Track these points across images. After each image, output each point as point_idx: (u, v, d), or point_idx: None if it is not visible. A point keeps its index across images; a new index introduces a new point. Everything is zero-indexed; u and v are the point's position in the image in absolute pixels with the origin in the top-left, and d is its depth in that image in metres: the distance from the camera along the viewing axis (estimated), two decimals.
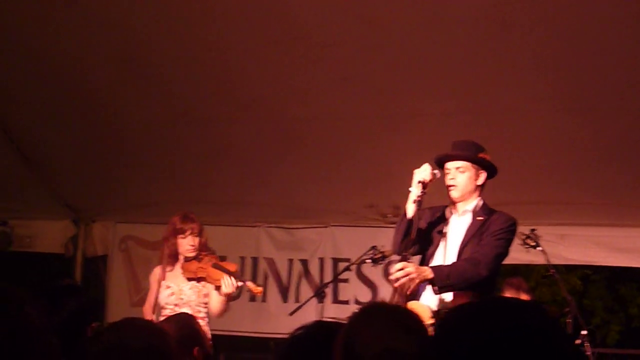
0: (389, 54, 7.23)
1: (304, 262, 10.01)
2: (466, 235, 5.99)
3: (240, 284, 7.19)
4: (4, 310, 1.91)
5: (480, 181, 6.07)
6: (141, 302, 9.83)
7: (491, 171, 6.13)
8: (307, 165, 8.84)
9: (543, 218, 8.71)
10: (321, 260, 9.94)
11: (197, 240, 7.27)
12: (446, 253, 5.99)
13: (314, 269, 9.95)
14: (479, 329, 2.08)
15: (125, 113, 8.63)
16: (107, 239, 10.71)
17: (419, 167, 5.96)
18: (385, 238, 8.01)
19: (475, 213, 6.06)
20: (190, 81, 8.07)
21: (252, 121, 8.41)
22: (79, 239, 10.71)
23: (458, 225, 6.09)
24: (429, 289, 5.85)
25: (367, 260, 8.14)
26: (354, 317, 3.02)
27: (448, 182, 6.01)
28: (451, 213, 6.14)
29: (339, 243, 9.85)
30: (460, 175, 6.01)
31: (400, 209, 7.80)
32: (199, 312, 7.05)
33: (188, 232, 7.24)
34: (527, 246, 8.20)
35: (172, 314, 6.75)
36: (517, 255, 8.56)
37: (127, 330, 3.00)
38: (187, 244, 7.25)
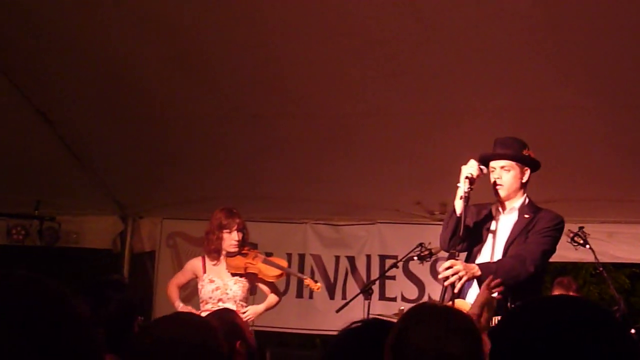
0: (439, 51, 7.22)
1: (351, 259, 10.02)
2: (512, 232, 6.00)
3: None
4: (45, 301, 1.93)
5: (525, 178, 6.07)
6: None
7: (535, 167, 6.12)
8: (354, 162, 8.85)
9: (591, 216, 8.70)
10: (368, 257, 9.94)
11: (241, 235, 7.36)
12: (494, 250, 6.01)
13: (361, 265, 9.95)
14: (547, 325, 2.09)
15: (175, 110, 8.68)
16: (154, 235, 10.78)
17: (466, 163, 5.96)
18: (433, 235, 8.02)
19: (522, 211, 6.07)
20: (240, 77, 8.09)
21: (301, 117, 8.44)
22: (126, 235, 10.78)
23: (505, 223, 6.09)
24: (475, 286, 5.86)
25: (414, 258, 8.16)
26: (405, 319, 3.00)
27: (494, 180, 6.01)
28: (498, 211, 6.14)
29: (386, 240, 9.85)
30: (506, 174, 6.01)
31: (447, 206, 7.85)
32: (243, 306, 7.11)
33: (234, 228, 7.33)
34: (575, 244, 8.18)
35: (215, 308, 6.85)
36: (565, 253, 8.54)
37: (177, 325, 3.02)
38: (231, 239, 7.34)
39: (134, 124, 9.04)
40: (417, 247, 8.22)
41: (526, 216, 6.03)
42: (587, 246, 8.21)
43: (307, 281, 7.63)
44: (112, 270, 10.53)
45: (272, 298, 7.51)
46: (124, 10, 7.39)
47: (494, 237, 6.05)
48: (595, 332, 2.07)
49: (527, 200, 6.11)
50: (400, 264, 9.02)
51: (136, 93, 8.55)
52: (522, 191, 6.10)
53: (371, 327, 3.35)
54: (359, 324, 3.31)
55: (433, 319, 2.98)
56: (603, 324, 2.12)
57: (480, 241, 6.10)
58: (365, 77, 7.69)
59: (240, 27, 7.44)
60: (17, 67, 8.36)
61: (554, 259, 8.64)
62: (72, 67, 8.31)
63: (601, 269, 8.51)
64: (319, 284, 7.65)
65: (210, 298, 7.29)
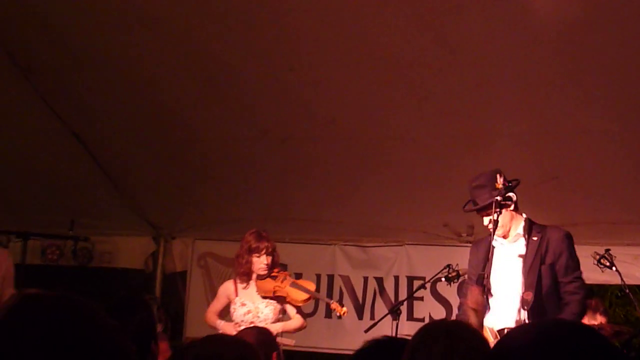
0: (465, 76, 7.29)
1: (379, 280, 10.01)
2: (527, 258, 6.19)
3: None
4: (78, 318, 2.02)
5: (512, 207, 6.21)
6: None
7: (513, 188, 6.25)
8: (383, 184, 8.89)
9: (618, 238, 8.68)
10: (396, 278, 9.93)
11: (270, 259, 7.39)
12: (510, 277, 6.21)
13: (389, 286, 9.94)
14: (531, 351, 2.02)
15: (207, 133, 8.78)
16: (186, 255, 10.82)
17: None
18: (460, 257, 8.13)
19: (529, 234, 6.25)
20: (270, 101, 8.17)
21: (330, 141, 8.50)
22: (158, 255, 10.84)
23: (515, 250, 6.31)
24: (493, 309, 6.03)
25: (442, 279, 8.21)
26: (415, 337, 3.10)
27: (488, 225, 6.21)
28: (502, 241, 6.33)
29: (413, 261, 9.85)
30: (496, 215, 6.15)
31: (474, 228, 7.93)
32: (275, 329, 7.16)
33: (263, 252, 7.37)
34: (601, 266, 8.18)
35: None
36: (592, 275, 8.56)
37: (216, 343, 3.09)
38: (261, 263, 7.38)
39: (166, 146, 9.15)
40: (444, 268, 8.26)
41: (534, 238, 6.20)
42: (614, 268, 8.19)
43: (334, 305, 7.60)
44: (144, 290, 10.60)
45: (296, 320, 7.54)
46: (158, 36, 7.52)
47: (508, 265, 6.23)
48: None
49: (526, 222, 6.27)
50: (428, 285, 9.03)
51: (168, 116, 8.65)
52: (517, 215, 6.27)
53: (383, 346, 3.43)
54: (372, 343, 3.40)
55: (442, 336, 3.08)
56: (599, 350, 2.01)
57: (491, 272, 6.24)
58: (393, 102, 7.78)
59: (271, 53, 7.55)
60: (53, 92, 8.49)
61: None
62: (107, 92, 8.45)
63: (627, 290, 8.51)
64: (345, 309, 7.60)
65: (243, 321, 7.31)
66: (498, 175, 6.20)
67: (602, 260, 8.20)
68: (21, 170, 9.64)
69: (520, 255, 6.24)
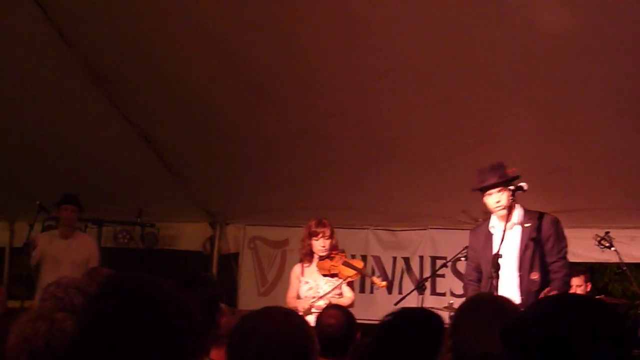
0: (479, 80, 7.29)
1: (406, 260, 10.02)
2: (522, 242, 6.27)
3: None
4: (154, 292, 2.08)
5: (515, 195, 6.20)
6: (267, 292, 10.09)
7: (517, 180, 6.32)
8: (409, 176, 8.90)
9: (616, 222, 8.65)
10: (421, 258, 9.94)
11: (328, 242, 7.45)
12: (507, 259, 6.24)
13: (415, 265, 9.96)
14: (548, 323, 2.03)
15: (253, 132, 8.82)
16: (238, 239, 10.86)
17: None
18: None
19: (523, 221, 6.33)
20: (308, 104, 8.21)
21: (361, 138, 8.52)
22: (215, 239, 10.87)
23: (512, 237, 6.34)
24: (506, 283, 6.04)
25: (461, 258, 8.21)
26: (460, 308, 3.12)
27: (493, 205, 6.27)
28: (499, 227, 6.36)
29: (436, 243, 9.85)
30: (502, 197, 6.23)
31: (488, 213, 7.90)
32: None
33: (320, 235, 7.45)
34: (602, 247, 8.18)
35: (312, 303, 7.14)
36: (593, 254, 8.57)
37: (269, 314, 3.03)
38: (319, 245, 7.45)
39: (220, 144, 9.21)
40: (463, 249, 8.26)
41: (527, 225, 6.24)
42: (613, 248, 8.20)
43: (375, 279, 7.75)
44: (203, 269, 10.74)
45: (347, 298, 7.49)
46: (209, 46, 7.57)
47: (504, 250, 6.22)
48: (601, 329, 2.00)
49: (522, 211, 6.30)
50: (449, 264, 9.06)
51: (221, 118, 8.71)
52: (515, 204, 6.29)
53: (402, 315, 3.46)
54: (390, 316, 3.44)
55: (483, 306, 3.10)
56: (608, 321, 2.03)
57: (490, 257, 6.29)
58: (415, 103, 7.79)
59: (307, 62, 7.60)
60: (123, 98, 8.59)
61: (583, 259, 8.73)
62: (167, 97, 8.52)
63: (625, 268, 8.49)
64: (384, 283, 7.75)
65: (306, 297, 7.39)
66: (505, 165, 6.26)
67: (602, 242, 8.21)
68: (96, 168, 9.76)
69: (515, 240, 6.31)
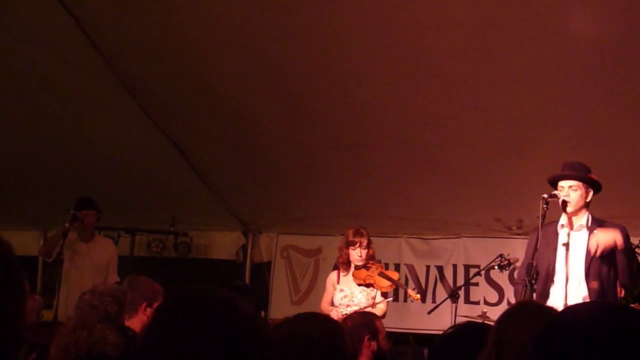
0: (512, 89, 7.29)
1: (440, 268, 9.96)
2: (589, 249, 6.03)
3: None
4: (237, 313, 2.10)
5: (589, 198, 6.13)
6: (300, 301, 10.09)
7: (598, 189, 6.15)
8: (442, 185, 8.89)
9: None
10: (454, 266, 9.87)
11: (364, 252, 7.44)
12: (567, 264, 6.10)
13: (449, 274, 9.89)
14: (589, 332, 1.97)
15: (286, 142, 8.87)
16: (271, 247, 10.85)
17: (539, 186, 6.10)
18: (510, 247, 8.13)
19: (591, 228, 6.11)
20: (341, 112, 8.24)
21: (395, 147, 8.51)
22: (247, 247, 10.90)
23: (577, 240, 6.14)
24: (557, 286, 5.98)
25: (495, 267, 8.20)
26: (504, 315, 3.07)
27: (563, 198, 6.06)
28: (565, 228, 6.19)
29: (470, 252, 9.77)
30: (573, 193, 6.07)
31: (523, 222, 7.90)
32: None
33: (357, 245, 7.44)
34: (638, 255, 8.10)
35: (345, 312, 7.07)
36: None
37: (306, 320, 3.12)
38: (356, 255, 7.44)
39: (252, 154, 9.26)
40: (497, 257, 8.26)
41: (596, 231, 6.08)
42: None
43: (410, 292, 7.71)
44: (235, 278, 10.67)
45: (381, 308, 7.50)
46: (243, 55, 7.64)
47: (567, 253, 6.10)
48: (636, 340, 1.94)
49: (591, 217, 6.16)
50: (482, 273, 9.03)
51: (253, 128, 8.77)
52: (585, 209, 6.15)
53: (465, 330, 3.45)
54: (452, 330, 3.43)
55: (528, 315, 3.03)
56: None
57: (554, 256, 6.17)
58: (449, 113, 7.78)
59: (341, 71, 7.64)
60: (157, 108, 8.68)
61: None
62: (201, 107, 8.61)
63: None
64: (418, 295, 7.69)
65: (340, 305, 7.39)
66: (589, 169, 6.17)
67: (637, 250, 8.12)
68: (130, 177, 9.86)
69: (581, 245, 6.14)
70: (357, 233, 7.48)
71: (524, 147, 7.92)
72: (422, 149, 8.45)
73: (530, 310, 3.09)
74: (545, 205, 6.00)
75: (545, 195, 6.01)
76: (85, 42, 7.74)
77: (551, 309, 3.35)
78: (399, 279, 7.51)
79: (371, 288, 7.42)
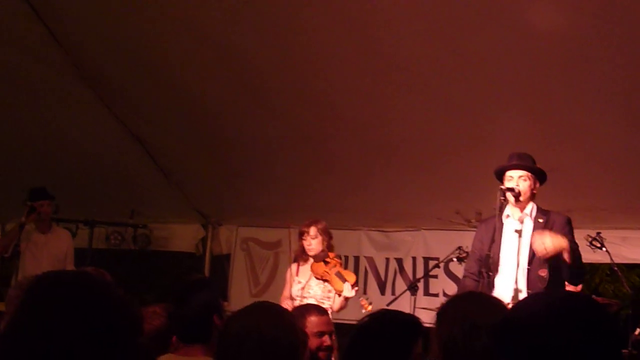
0: (472, 81, 7.29)
1: (399, 261, 10.01)
2: (532, 243, 6.06)
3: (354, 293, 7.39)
4: (93, 289, 2.12)
5: (536, 189, 6.17)
6: (259, 293, 10.09)
7: (543, 179, 6.21)
8: (401, 178, 8.90)
9: (608, 222, 8.63)
10: (414, 259, 9.92)
11: (314, 241, 7.49)
12: (519, 252, 6.10)
13: (408, 266, 9.93)
14: (543, 321, 2.01)
15: (245, 133, 8.86)
16: (230, 240, 10.90)
17: (496, 179, 6.18)
18: (469, 240, 8.11)
19: (536, 216, 6.17)
20: (301, 105, 8.22)
21: (354, 140, 8.53)
22: (207, 240, 10.92)
23: (524, 228, 6.17)
24: (503, 277, 6.04)
25: (454, 259, 8.30)
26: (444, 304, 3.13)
27: (512, 187, 6.08)
28: (509, 217, 6.24)
29: (429, 244, 9.83)
30: (523, 183, 6.10)
31: (482, 214, 7.95)
32: (323, 304, 7.12)
33: (306, 234, 7.50)
34: (593, 247, 8.19)
35: (300, 303, 7.03)
36: (585, 254, 8.51)
37: (257, 313, 3.10)
38: (306, 245, 7.51)
39: (212, 146, 9.26)
40: (456, 250, 8.37)
41: (540, 220, 6.14)
42: (604, 249, 8.21)
43: (363, 301, 7.64)
44: (195, 270, 10.67)
45: (338, 302, 7.47)
46: (204, 45, 7.61)
47: (519, 240, 6.11)
48: (595, 328, 1.99)
49: (535, 207, 6.23)
50: (441, 265, 9.14)
51: (214, 120, 8.76)
52: (531, 200, 6.22)
53: (381, 318, 3.46)
54: (367, 319, 3.42)
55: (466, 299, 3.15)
56: (601, 320, 2.03)
57: (502, 245, 6.21)
58: (409, 104, 7.78)
59: (299, 63, 7.63)
60: (115, 99, 8.65)
61: None
62: (160, 98, 8.59)
63: (616, 268, 8.55)
64: (370, 307, 7.55)
65: (297, 296, 7.44)
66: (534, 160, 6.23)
67: (593, 242, 8.23)
68: (89, 169, 9.81)
69: (526, 234, 6.14)
70: (306, 224, 7.54)
71: (483, 140, 7.94)
72: (381, 141, 8.45)
73: (470, 301, 3.14)
74: (502, 197, 6.03)
75: (503, 187, 6.05)
76: (45, 33, 7.69)
77: (497, 299, 3.40)
78: (356, 282, 7.50)
79: (327, 283, 7.46)
